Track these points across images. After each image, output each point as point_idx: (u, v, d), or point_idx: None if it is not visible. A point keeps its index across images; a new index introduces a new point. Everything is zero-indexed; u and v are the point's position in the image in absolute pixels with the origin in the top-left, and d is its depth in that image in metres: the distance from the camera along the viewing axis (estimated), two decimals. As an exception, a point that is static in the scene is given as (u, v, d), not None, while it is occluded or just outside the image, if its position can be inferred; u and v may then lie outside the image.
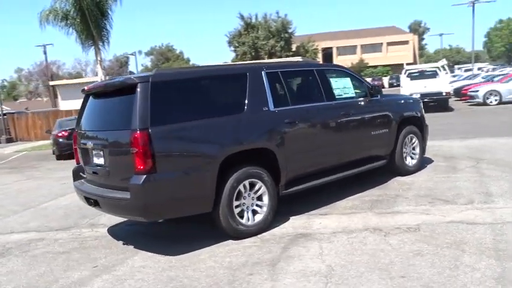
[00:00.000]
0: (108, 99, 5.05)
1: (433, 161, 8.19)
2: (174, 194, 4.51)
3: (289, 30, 53.92)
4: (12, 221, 7.13)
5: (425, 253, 4.15)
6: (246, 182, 4.98)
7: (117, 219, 6.35)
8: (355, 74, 6.73)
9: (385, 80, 53.22)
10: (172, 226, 5.76)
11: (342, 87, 6.32)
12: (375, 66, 60.83)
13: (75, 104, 26.30)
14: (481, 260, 3.90)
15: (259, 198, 5.16)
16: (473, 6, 37.51)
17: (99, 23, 23.29)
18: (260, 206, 5.16)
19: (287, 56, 49.49)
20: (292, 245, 4.67)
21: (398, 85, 25.75)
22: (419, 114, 7.48)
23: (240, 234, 4.95)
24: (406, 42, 62.45)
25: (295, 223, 5.39)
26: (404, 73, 20.13)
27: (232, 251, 4.68)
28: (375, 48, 63.24)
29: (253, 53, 54.11)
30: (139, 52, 79.48)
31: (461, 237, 4.47)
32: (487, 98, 19.94)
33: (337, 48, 64.20)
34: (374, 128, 6.54)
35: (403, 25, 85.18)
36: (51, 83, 32.03)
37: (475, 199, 5.68)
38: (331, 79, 6.18)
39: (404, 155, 7.18)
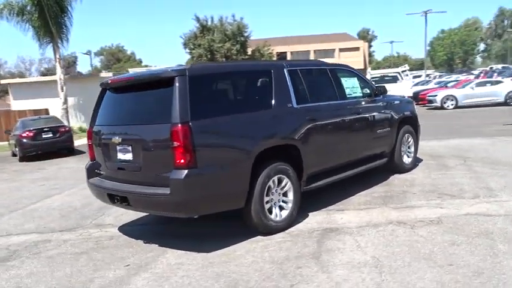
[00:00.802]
0: (136, 92, 4.88)
1: (422, 159, 8.56)
2: (212, 189, 4.44)
3: (245, 34, 53.94)
4: (3, 223, 6.71)
5: (460, 243, 4.34)
6: (275, 178, 5.00)
7: (124, 220, 6.18)
8: (360, 74, 6.92)
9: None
10: (186, 225, 5.66)
11: (351, 86, 6.49)
12: (328, 72, 62.09)
13: (30, 103, 25.06)
14: (514, 247, 4.14)
15: (285, 194, 5.20)
16: (426, 16, 39.67)
17: (58, 19, 22.39)
18: (286, 202, 5.19)
19: (243, 60, 49.59)
20: (325, 239, 4.74)
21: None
22: (413, 115, 7.80)
23: (270, 230, 4.96)
24: (357, 49, 64.42)
25: (317, 219, 5.46)
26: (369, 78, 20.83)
27: (266, 246, 4.67)
28: (328, 53, 64.59)
29: (209, 56, 53.59)
30: (89, 52, 76.57)
31: (485, 227, 4.72)
32: (444, 103, 21.07)
33: (291, 52, 65.10)
34: (380, 126, 6.77)
35: (352, 32, 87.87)
36: (2, 81, 30.27)
37: (480, 194, 6.00)
38: (341, 78, 6.33)
39: (402, 153, 7.47)
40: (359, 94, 6.62)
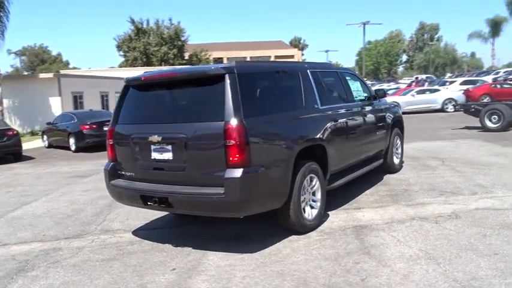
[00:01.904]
0: (175, 90, 4.71)
1: (403, 161, 9.00)
2: (263, 188, 4.42)
3: (182, 38, 53.51)
4: (-10, 232, 6.12)
5: (489, 234, 4.67)
6: (308, 177, 5.06)
7: (132, 224, 5.93)
8: (362, 78, 7.20)
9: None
10: (207, 227, 5.57)
11: (356, 89, 6.74)
12: (264, 78, 63.33)
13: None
14: (540, 236, 4.54)
15: (313, 193, 5.27)
16: (364, 27, 41.96)
17: (-6, 15, 20.76)
18: (315, 201, 5.26)
19: (180, 64, 48.97)
20: (362, 236, 4.86)
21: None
22: (401, 118, 8.23)
23: (305, 229, 5.00)
24: (292, 57, 66.29)
25: (340, 217, 5.59)
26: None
27: (309, 244, 4.70)
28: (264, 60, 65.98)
29: (144, 59, 52.52)
30: (9, 52, 71.53)
31: (502, 220, 5.11)
32: (388, 109, 22.27)
33: (228, 58, 65.42)
34: (380, 128, 7.09)
35: (286, 41, 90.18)
36: None
37: (476, 191, 6.46)
38: (349, 81, 6.55)
39: (393, 154, 7.84)
40: (363, 97, 6.89)
